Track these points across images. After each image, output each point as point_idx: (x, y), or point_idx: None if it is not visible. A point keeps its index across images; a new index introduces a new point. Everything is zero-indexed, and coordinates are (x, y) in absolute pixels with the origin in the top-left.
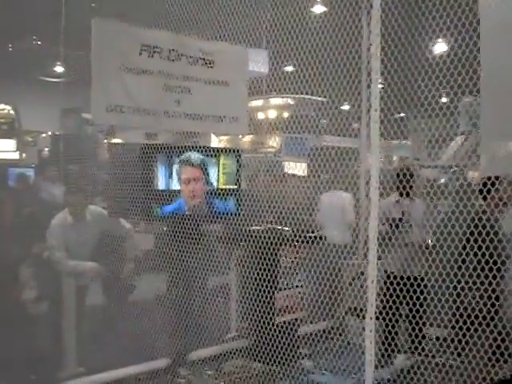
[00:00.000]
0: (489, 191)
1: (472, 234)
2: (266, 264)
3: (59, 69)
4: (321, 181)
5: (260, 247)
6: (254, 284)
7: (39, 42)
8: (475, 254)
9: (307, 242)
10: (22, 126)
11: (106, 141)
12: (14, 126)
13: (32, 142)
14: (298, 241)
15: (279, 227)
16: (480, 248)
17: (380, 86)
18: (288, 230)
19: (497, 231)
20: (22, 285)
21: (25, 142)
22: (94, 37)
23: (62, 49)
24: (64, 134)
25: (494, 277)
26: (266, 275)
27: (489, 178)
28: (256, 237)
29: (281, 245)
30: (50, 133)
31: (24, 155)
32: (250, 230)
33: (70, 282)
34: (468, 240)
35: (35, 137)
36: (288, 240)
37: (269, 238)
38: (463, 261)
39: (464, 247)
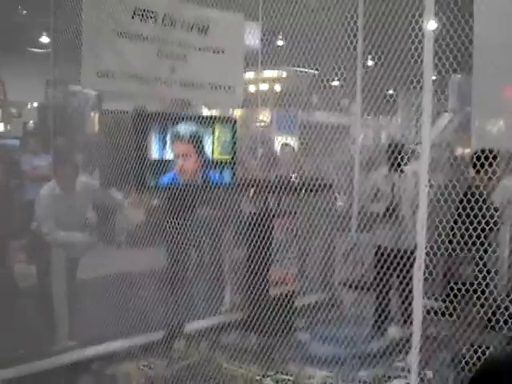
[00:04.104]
0: (482, 165)
1: (464, 207)
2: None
3: (45, 39)
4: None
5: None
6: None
7: (25, 12)
8: (466, 227)
9: (316, 191)
10: (7, 97)
11: (92, 113)
12: None
13: (17, 113)
14: (306, 189)
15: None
16: (471, 220)
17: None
18: (297, 178)
19: (488, 205)
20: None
21: (10, 114)
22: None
23: (50, 19)
24: (50, 105)
25: (484, 247)
26: (264, 237)
27: (482, 151)
28: (264, 185)
29: (287, 194)
30: (35, 104)
31: (9, 127)
32: (257, 180)
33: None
34: (459, 213)
35: (20, 108)
36: (296, 188)
37: (276, 185)
38: (454, 234)
39: (455, 221)
